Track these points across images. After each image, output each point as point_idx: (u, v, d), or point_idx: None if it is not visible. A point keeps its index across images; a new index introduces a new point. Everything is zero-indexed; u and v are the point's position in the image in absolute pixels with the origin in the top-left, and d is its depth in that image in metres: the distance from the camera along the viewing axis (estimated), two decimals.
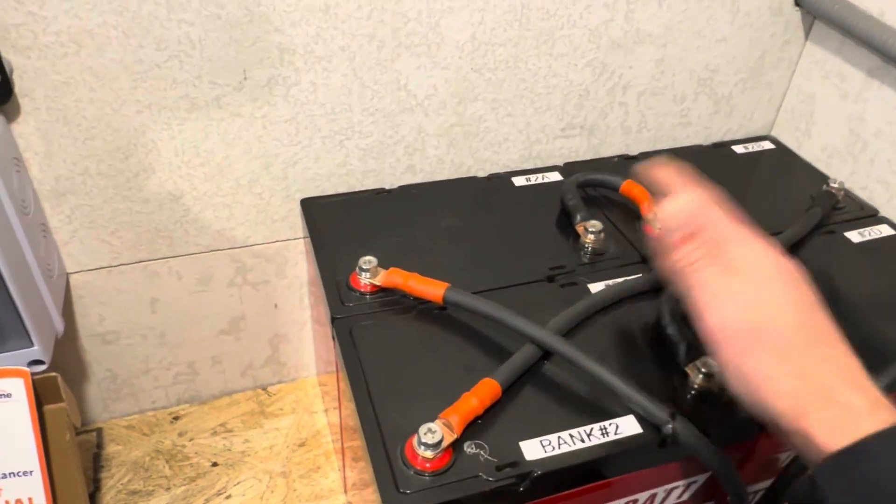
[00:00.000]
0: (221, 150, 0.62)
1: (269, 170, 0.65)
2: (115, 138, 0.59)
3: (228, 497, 0.70)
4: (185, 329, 0.73)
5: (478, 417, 0.47)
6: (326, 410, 0.78)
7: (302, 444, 0.76)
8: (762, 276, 0.39)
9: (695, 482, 0.53)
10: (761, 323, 0.37)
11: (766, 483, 0.59)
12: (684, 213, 0.44)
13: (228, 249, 0.69)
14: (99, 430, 0.76)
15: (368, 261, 0.57)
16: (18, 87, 0.54)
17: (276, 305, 0.75)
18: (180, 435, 0.76)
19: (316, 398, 0.81)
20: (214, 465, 0.73)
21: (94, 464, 0.73)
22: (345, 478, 0.69)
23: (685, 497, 0.54)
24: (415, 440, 0.44)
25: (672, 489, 0.53)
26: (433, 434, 0.43)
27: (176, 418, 0.78)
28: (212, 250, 0.68)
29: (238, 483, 0.72)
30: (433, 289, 0.54)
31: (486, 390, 0.47)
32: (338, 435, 0.69)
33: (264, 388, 0.82)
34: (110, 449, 0.74)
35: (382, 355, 0.52)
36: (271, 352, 0.79)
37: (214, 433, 0.77)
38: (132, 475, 0.72)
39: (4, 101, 0.54)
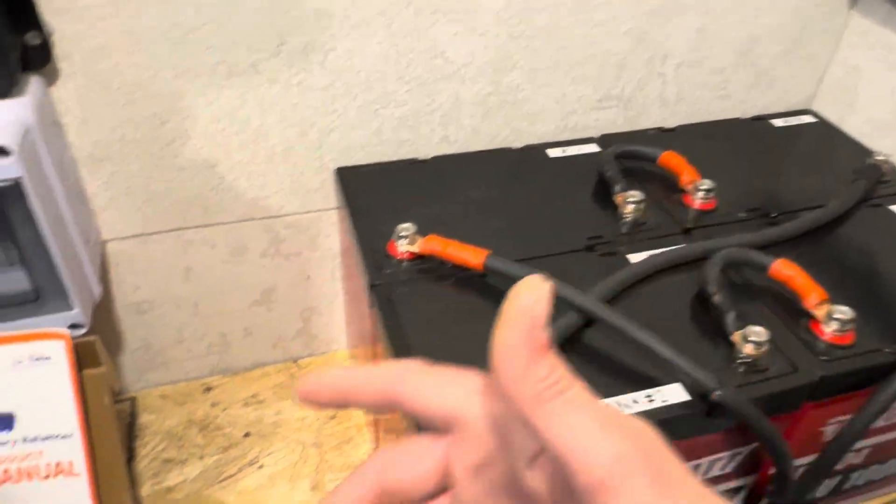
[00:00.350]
0: (257, 117, 0.62)
1: (304, 138, 0.65)
2: (152, 104, 0.59)
3: (261, 467, 0.70)
4: (218, 299, 0.73)
5: None
6: None
7: (333, 417, 0.76)
8: None
9: (738, 454, 0.52)
10: None
11: (809, 458, 0.58)
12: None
13: (262, 219, 0.69)
14: (132, 400, 0.77)
15: (406, 228, 0.56)
16: (57, 51, 0.54)
17: (308, 277, 0.75)
18: (213, 405, 0.77)
19: None
20: (247, 434, 0.74)
21: (129, 432, 0.73)
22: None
23: (728, 469, 0.54)
24: None
25: (716, 460, 0.52)
26: None
27: (208, 389, 0.78)
28: (245, 220, 0.68)
29: (270, 453, 0.72)
30: (473, 255, 0.54)
31: None
32: None
33: (295, 361, 0.82)
34: (144, 418, 0.75)
35: (423, 322, 0.51)
36: (302, 324, 0.79)
37: (246, 404, 0.77)
38: (166, 444, 0.72)
39: (44, 64, 0.53)
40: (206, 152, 0.63)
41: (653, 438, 0.22)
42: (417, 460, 0.26)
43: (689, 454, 0.50)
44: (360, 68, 0.62)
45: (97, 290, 0.60)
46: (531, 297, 0.23)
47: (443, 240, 0.55)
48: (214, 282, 0.72)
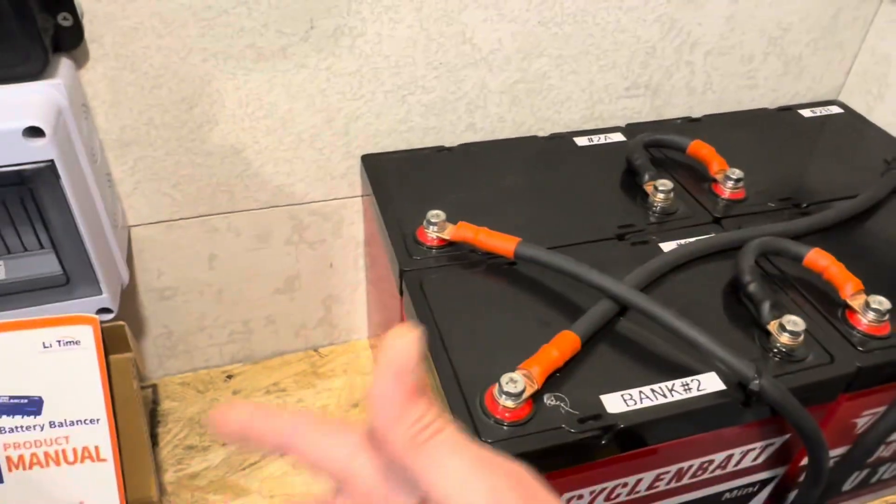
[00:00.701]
0: (285, 102, 0.62)
1: (330, 124, 0.64)
2: (181, 88, 0.58)
3: (283, 454, 0.70)
4: (242, 287, 0.73)
5: (557, 370, 0.46)
6: None
7: (355, 405, 0.75)
8: None
9: (771, 444, 0.52)
10: None
11: (842, 449, 0.57)
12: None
13: (287, 206, 0.68)
14: (154, 387, 0.76)
15: (436, 214, 0.55)
16: (88, 32, 0.54)
17: (331, 265, 0.75)
18: (234, 393, 0.76)
19: (367, 361, 0.81)
20: None
21: (151, 419, 0.73)
22: None
23: (759, 460, 0.53)
24: (495, 389, 0.43)
25: (748, 451, 0.52)
26: (515, 384, 0.42)
27: (229, 377, 0.78)
28: (270, 206, 0.68)
29: None
30: (504, 243, 0.53)
31: (565, 342, 0.46)
32: None
33: (316, 350, 0.81)
34: (166, 405, 0.75)
35: (453, 308, 0.51)
36: (324, 313, 0.79)
37: (268, 392, 0.77)
38: (188, 430, 0.72)
39: (75, 45, 0.53)
40: (234, 138, 0.62)
41: (524, 474, 0.22)
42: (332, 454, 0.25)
43: (724, 443, 0.49)
44: (388, 53, 0.62)
45: (125, 275, 0.59)
46: (399, 345, 0.22)
47: (474, 227, 0.55)
48: (238, 269, 0.71)
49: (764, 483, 0.57)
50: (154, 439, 0.71)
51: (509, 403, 0.42)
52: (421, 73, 0.64)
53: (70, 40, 0.52)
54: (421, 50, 0.62)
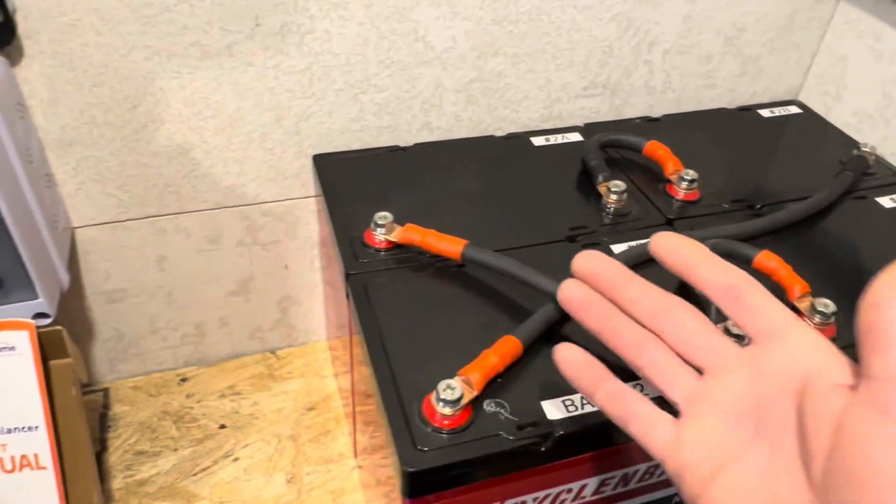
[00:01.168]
0: (232, 101, 0.60)
1: (281, 123, 0.63)
2: (123, 86, 0.57)
3: (236, 459, 0.69)
4: (194, 289, 0.71)
5: (498, 375, 0.45)
6: (337, 375, 0.77)
7: (311, 408, 0.74)
8: None
9: None
10: None
11: None
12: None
13: (238, 207, 0.67)
14: (105, 391, 0.75)
15: (384, 216, 0.55)
16: (22, 29, 0.52)
17: (286, 266, 0.73)
18: (188, 396, 0.75)
19: (326, 362, 0.79)
20: (222, 427, 0.72)
21: (101, 424, 0.71)
22: (355, 442, 0.68)
23: None
24: (433, 397, 0.42)
25: None
26: (452, 390, 0.42)
27: (183, 380, 0.77)
28: (221, 207, 0.67)
29: (246, 445, 0.70)
30: (451, 245, 0.52)
31: (506, 348, 0.45)
32: (348, 399, 0.68)
33: (273, 352, 0.80)
34: (117, 409, 0.73)
35: (398, 312, 0.50)
36: (280, 314, 0.77)
37: (222, 395, 0.75)
38: (139, 436, 0.71)
39: (6, 42, 0.51)
40: (180, 137, 0.61)
41: None
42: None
43: None
44: (338, 51, 0.60)
45: (65, 277, 0.58)
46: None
47: (421, 229, 0.54)
48: (189, 271, 0.70)
49: None
50: (103, 444, 0.70)
51: (447, 411, 0.42)
52: (373, 71, 0.63)
53: (1, 37, 0.50)
54: (372, 48, 0.61)
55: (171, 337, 0.75)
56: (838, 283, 0.55)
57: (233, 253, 0.70)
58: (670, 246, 0.34)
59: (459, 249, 0.52)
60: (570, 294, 0.36)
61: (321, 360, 0.80)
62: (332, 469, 0.69)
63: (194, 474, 0.67)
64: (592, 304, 0.35)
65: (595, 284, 0.36)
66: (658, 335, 0.33)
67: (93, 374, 0.74)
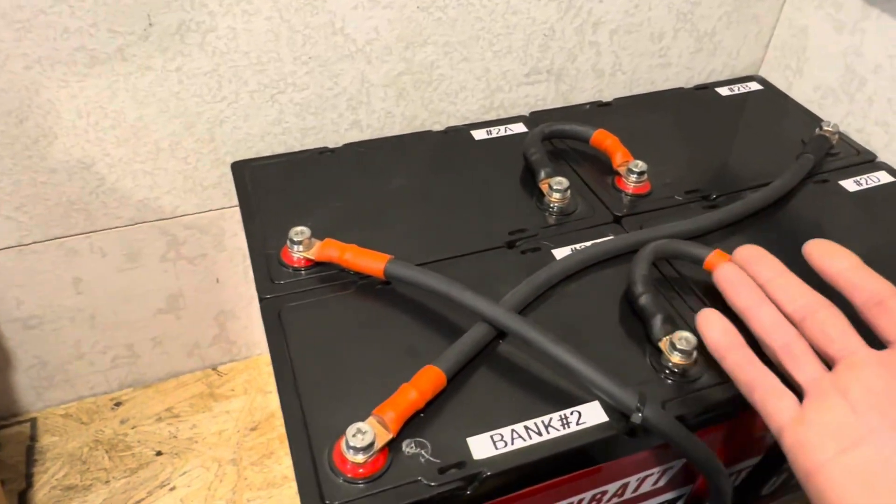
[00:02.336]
0: (133, 109, 0.55)
1: (191, 130, 0.58)
2: (5, 100, 0.51)
3: (173, 489, 0.65)
4: (118, 310, 0.67)
5: (419, 411, 0.41)
6: None
7: (254, 428, 0.70)
8: None
9: (671, 468, 0.48)
10: None
11: (754, 460, 0.54)
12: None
13: (156, 221, 0.62)
14: (33, 421, 0.70)
15: (300, 232, 0.50)
16: None
17: (217, 280, 0.69)
18: (122, 422, 0.70)
19: (269, 377, 0.75)
20: (159, 454, 0.68)
21: (27, 458, 0.67)
22: None
23: (660, 483, 0.49)
24: (343, 443, 0.38)
25: (646, 477, 0.48)
26: (363, 435, 0.37)
27: (118, 404, 0.72)
28: (136, 223, 0.61)
29: (184, 473, 0.66)
30: (374, 262, 0.48)
31: (427, 380, 0.41)
32: None
33: (214, 368, 0.76)
34: (45, 440, 0.69)
35: (314, 341, 0.45)
36: (218, 330, 0.73)
37: (159, 419, 0.71)
38: (68, 468, 0.66)
39: None
40: (79, 151, 0.55)
41: None
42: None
43: (614, 474, 0.45)
44: (247, 49, 0.55)
45: None
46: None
47: (340, 244, 0.49)
48: (111, 291, 0.65)
49: (670, 503, 0.53)
50: (29, 480, 0.65)
51: (358, 458, 0.37)
52: (289, 69, 0.57)
53: None
54: (285, 44, 0.56)
55: (100, 360, 0.70)
56: (801, 278, 0.51)
57: (156, 270, 0.65)
58: (824, 252, 0.39)
59: (382, 266, 0.47)
60: (726, 274, 0.42)
61: (265, 374, 0.76)
62: (275, 494, 0.65)
63: None
64: (744, 286, 0.41)
65: (750, 270, 0.41)
66: (798, 325, 0.38)
67: (18, 403, 0.69)
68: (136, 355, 0.71)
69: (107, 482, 0.65)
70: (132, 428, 0.70)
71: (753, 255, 0.42)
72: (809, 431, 0.33)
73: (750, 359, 0.38)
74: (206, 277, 0.68)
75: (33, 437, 0.69)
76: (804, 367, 0.36)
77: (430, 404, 0.41)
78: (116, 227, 0.61)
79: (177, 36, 0.52)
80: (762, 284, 0.41)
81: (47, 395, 0.70)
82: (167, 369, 0.74)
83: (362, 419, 0.39)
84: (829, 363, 0.36)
